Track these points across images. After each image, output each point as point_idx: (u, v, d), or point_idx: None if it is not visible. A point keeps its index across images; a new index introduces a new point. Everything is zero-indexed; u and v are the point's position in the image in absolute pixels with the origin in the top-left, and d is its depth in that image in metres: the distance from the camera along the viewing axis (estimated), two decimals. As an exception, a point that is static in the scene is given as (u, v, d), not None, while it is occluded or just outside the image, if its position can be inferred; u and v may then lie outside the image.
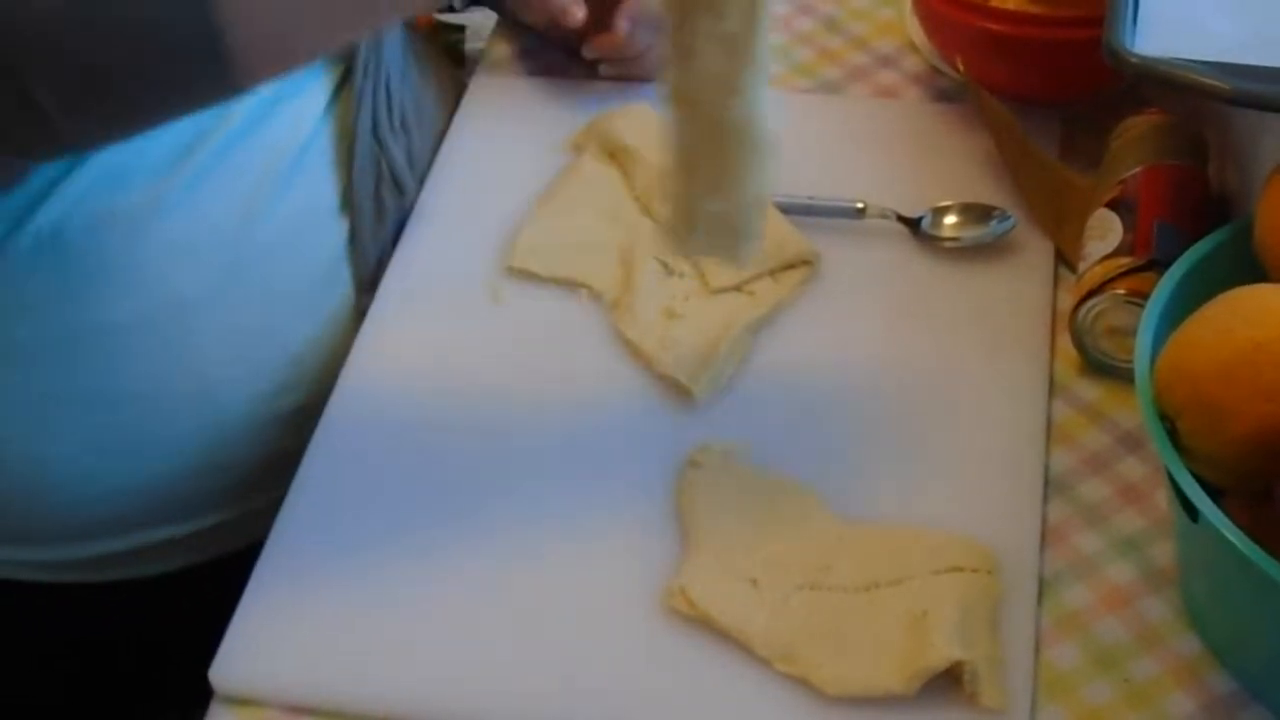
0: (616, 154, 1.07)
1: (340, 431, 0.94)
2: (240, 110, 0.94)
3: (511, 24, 1.21)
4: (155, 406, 0.95)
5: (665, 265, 1.00)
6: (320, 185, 1.01)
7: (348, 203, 1.02)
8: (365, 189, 1.02)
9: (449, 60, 1.29)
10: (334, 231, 1.02)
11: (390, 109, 1.05)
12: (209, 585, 0.89)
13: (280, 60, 0.79)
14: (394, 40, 1.07)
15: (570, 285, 1.01)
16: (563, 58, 1.17)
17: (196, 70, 0.75)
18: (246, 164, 0.95)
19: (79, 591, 1.01)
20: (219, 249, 0.94)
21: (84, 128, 0.77)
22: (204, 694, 0.83)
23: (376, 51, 1.04)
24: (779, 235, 1.01)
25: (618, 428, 0.92)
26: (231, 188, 0.94)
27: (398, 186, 1.05)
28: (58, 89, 0.72)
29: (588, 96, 1.14)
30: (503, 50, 1.21)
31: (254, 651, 0.83)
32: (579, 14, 1.07)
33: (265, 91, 0.95)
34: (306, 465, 0.91)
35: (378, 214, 1.04)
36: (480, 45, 1.30)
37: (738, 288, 0.98)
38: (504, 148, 1.11)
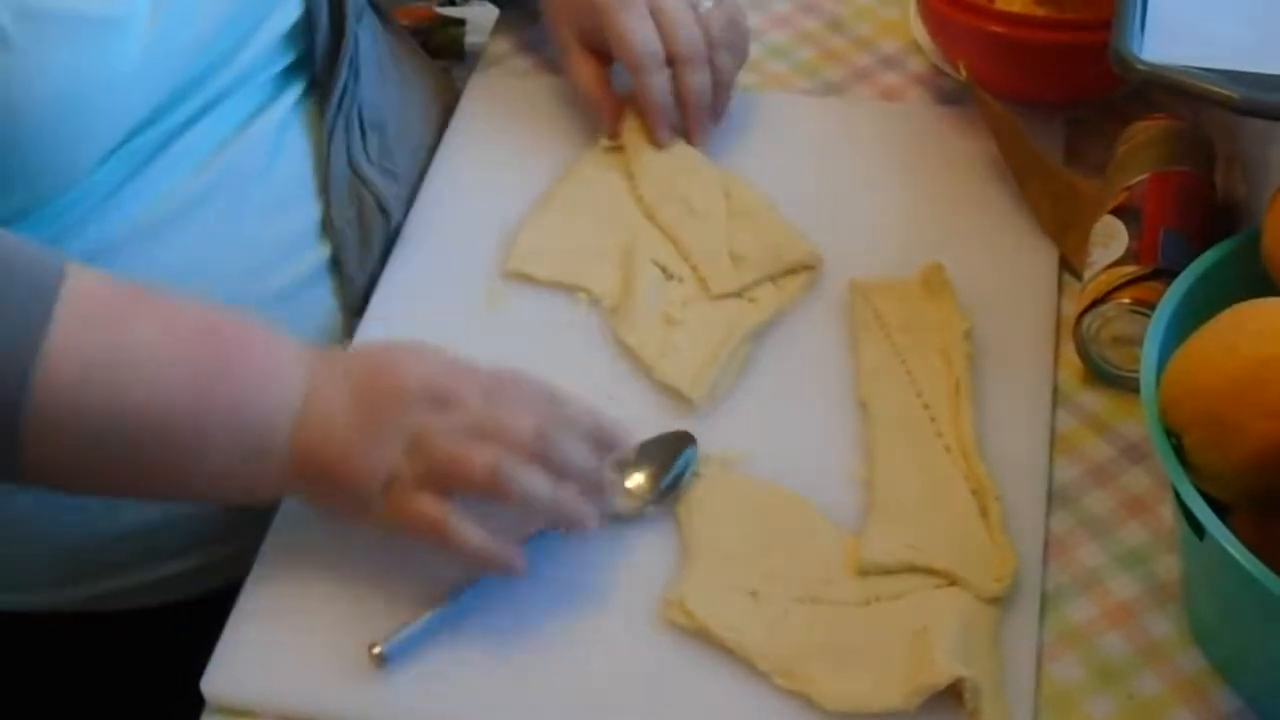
0: (631, 139, 1.06)
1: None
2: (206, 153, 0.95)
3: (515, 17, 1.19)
4: None
5: (665, 270, 0.99)
6: (300, 214, 1.00)
7: (327, 230, 1.01)
8: (346, 218, 1.01)
9: (440, 61, 1.28)
10: (314, 259, 1.00)
11: (365, 139, 1.03)
12: (198, 616, 0.88)
13: (74, 489, 0.84)
14: (369, 64, 1.05)
15: (569, 289, 0.99)
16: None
17: None
18: (214, 198, 0.95)
19: (62, 621, 1.00)
20: (200, 279, 0.92)
21: None
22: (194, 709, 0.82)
23: (352, 80, 1.02)
24: (781, 239, 1.00)
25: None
26: (206, 225, 0.94)
27: (383, 212, 1.03)
28: None
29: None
30: (504, 46, 1.20)
31: (246, 661, 0.83)
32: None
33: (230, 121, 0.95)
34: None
35: (363, 241, 1.02)
36: (482, 40, 1.29)
37: (738, 293, 0.97)
38: (505, 146, 1.10)
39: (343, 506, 0.83)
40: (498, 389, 0.84)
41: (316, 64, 1.01)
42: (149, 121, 0.90)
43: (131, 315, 0.80)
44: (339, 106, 1.01)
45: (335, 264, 1.01)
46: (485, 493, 0.81)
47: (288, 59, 1.00)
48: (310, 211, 1.00)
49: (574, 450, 0.83)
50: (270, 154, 0.98)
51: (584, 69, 1.07)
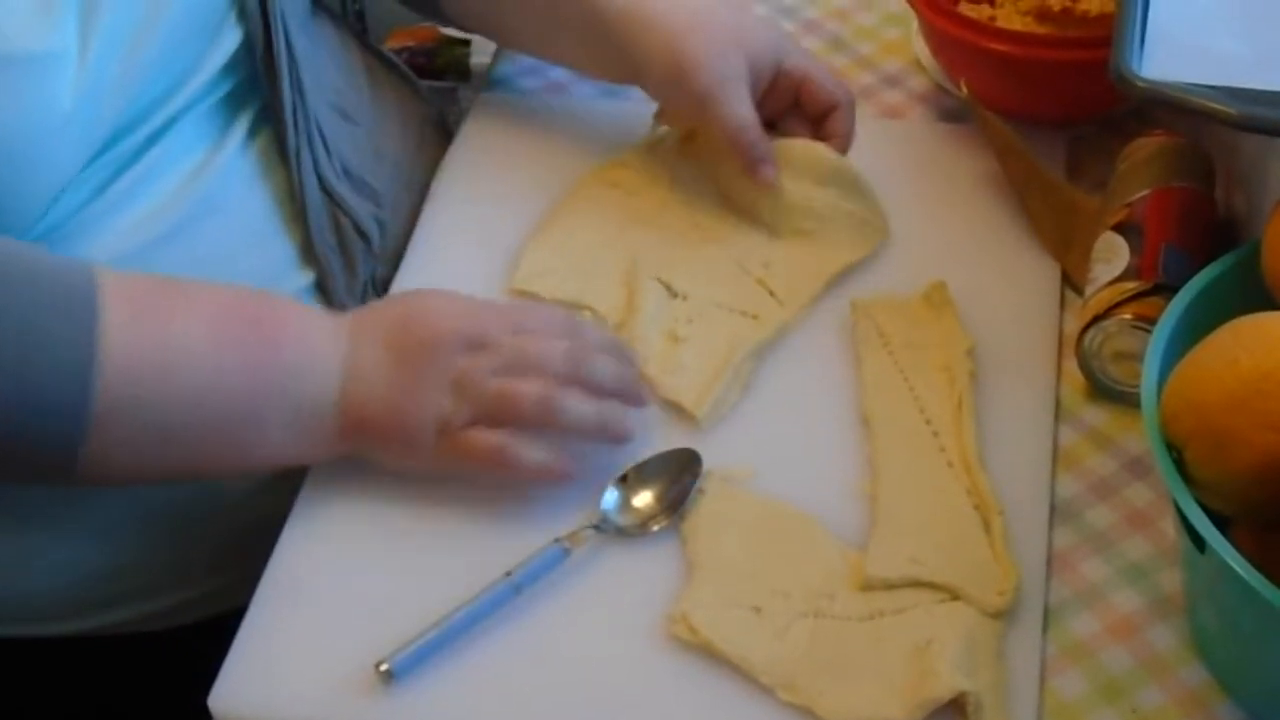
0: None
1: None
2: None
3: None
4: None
5: (668, 288, 1.00)
6: (277, 243, 0.99)
7: (309, 257, 1.00)
8: (328, 244, 1.00)
9: (445, 82, 1.26)
10: (298, 284, 0.99)
11: (330, 154, 1.01)
12: (205, 636, 0.88)
13: (127, 481, 0.88)
14: (312, 72, 1.01)
15: (574, 308, 1.00)
16: (569, 73, 1.16)
17: (42, 469, 0.81)
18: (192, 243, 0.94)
19: (69, 643, 1.00)
20: None
21: None
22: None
23: (298, 98, 0.99)
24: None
25: (620, 452, 0.91)
26: (177, 259, 0.92)
27: (362, 236, 1.02)
28: None
29: (595, 113, 1.14)
30: (509, 66, 1.20)
31: (253, 677, 0.83)
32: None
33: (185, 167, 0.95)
34: (307, 489, 0.91)
35: (347, 265, 1.01)
36: (486, 60, 1.30)
37: (742, 312, 0.98)
38: (509, 166, 1.11)
39: (397, 453, 0.88)
40: (521, 321, 0.90)
41: (263, 89, 0.99)
42: (96, 157, 0.88)
43: (171, 308, 0.83)
44: (295, 127, 0.99)
45: (320, 289, 1.00)
46: (536, 423, 0.87)
47: (229, 85, 0.97)
48: (288, 239, 0.99)
49: (604, 366, 0.90)
50: (234, 184, 0.97)
51: (751, 111, 1.00)
